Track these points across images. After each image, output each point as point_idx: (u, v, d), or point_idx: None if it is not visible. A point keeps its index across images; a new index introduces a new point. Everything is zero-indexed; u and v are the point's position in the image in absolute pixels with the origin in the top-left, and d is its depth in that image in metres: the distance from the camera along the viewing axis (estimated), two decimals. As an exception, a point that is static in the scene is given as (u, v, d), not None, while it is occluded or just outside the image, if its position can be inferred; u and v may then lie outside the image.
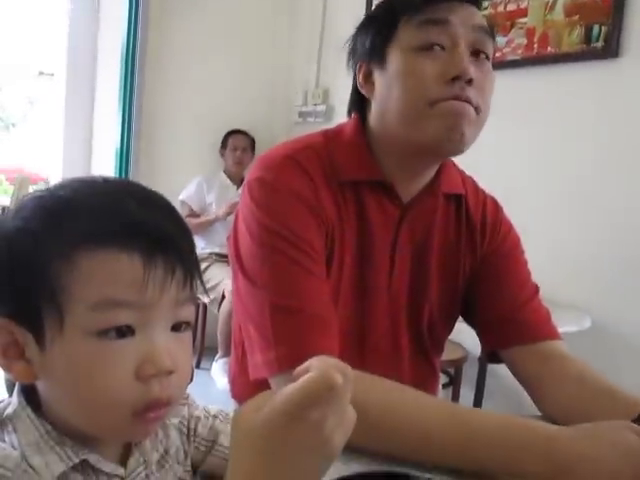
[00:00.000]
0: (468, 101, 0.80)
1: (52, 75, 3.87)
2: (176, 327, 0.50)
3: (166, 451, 0.58)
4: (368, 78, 0.89)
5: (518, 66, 2.38)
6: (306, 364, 0.45)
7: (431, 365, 1.03)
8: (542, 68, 2.34)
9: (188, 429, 0.62)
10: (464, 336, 1.07)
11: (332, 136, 0.92)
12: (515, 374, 0.92)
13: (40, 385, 0.49)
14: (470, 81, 0.80)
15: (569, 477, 0.66)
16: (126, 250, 0.45)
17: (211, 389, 2.84)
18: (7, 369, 0.48)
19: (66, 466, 0.48)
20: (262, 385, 0.81)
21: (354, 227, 0.88)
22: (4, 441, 0.48)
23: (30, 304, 0.46)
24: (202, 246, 3.09)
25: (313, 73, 3.45)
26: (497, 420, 0.73)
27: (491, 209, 0.98)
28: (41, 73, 4.83)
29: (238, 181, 3.25)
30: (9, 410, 0.50)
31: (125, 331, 0.46)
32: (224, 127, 3.33)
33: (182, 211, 3.06)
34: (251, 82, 3.46)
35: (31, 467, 0.46)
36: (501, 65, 2.34)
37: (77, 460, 0.48)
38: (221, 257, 3.07)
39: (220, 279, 2.92)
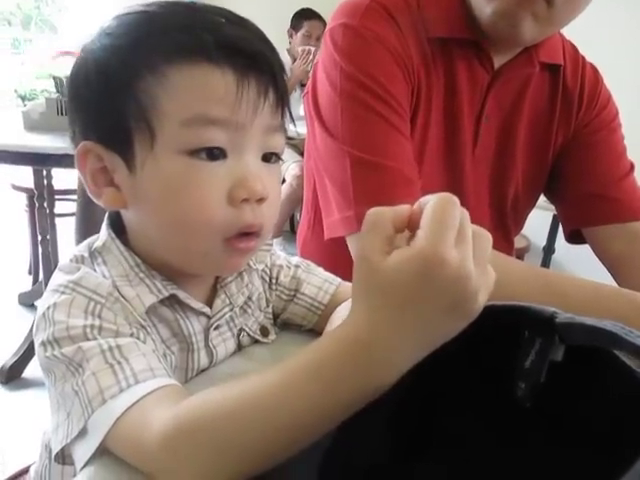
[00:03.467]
0: None
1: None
2: (266, 157, 0.48)
3: (249, 297, 0.58)
4: None
5: None
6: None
7: (509, 242, 0.99)
8: None
9: (270, 277, 0.62)
10: (527, 224, 1.02)
11: None
12: (599, 253, 0.89)
13: (129, 215, 0.49)
14: None
15: None
16: (220, 66, 0.43)
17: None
18: (96, 196, 0.47)
19: (156, 298, 0.48)
20: (337, 246, 0.78)
21: (441, 88, 0.82)
22: (96, 278, 0.47)
23: (120, 124, 0.44)
24: None
25: None
26: (595, 290, 0.67)
27: (590, 78, 0.91)
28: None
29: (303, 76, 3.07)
30: (98, 243, 0.50)
31: (217, 153, 0.44)
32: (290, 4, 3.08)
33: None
34: None
35: (123, 297, 0.46)
36: None
37: (167, 294, 0.48)
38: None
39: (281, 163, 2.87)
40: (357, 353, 0.33)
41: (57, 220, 2.22)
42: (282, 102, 0.47)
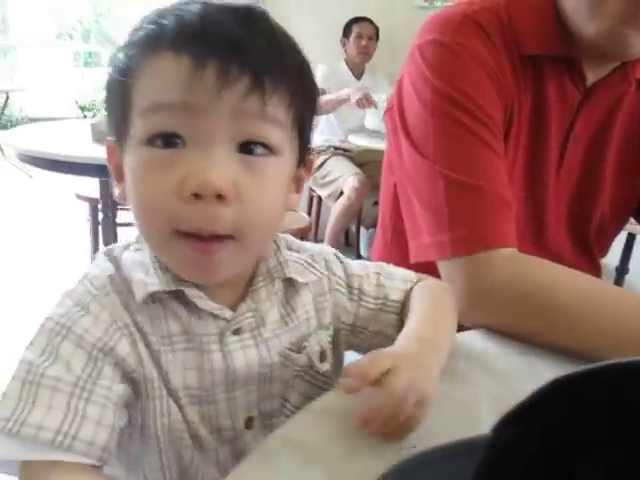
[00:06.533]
0: None
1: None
2: (247, 148, 0.44)
3: (292, 309, 0.55)
4: None
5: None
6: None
7: (594, 266, 0.94)
8: None
9: (351, 288, 0.59)
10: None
11: None
12: None
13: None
14: None
15: None
16: (175, 50, 0.42)
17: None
18: (117, 187, 0.50)
19: (160, 288, 0.47)
20: (419, 268, 0.75)
21: (529, 106, 0.79)
22: (121, 259, 0.51)
23: (115, 122, 0.47)
24: (321, 139, 3.00)
25: None
26: None
27: None
28: None
29: (359, 73, 3.08)
30: (138, 233, 0.51)
31: (174, 141, 0.42)
32: (342, 13, 3.08)
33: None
34: None
35: (130, 280, 0.48)
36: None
37: (173, 287, 0.48)
38: (340, 151, 2.99)
39: (339, 175, 2.83)
40: None
41: (118, 229, 2.26)
42: (261, 87, 0.42)
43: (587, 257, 0.92)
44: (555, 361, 0.61)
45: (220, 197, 0.41)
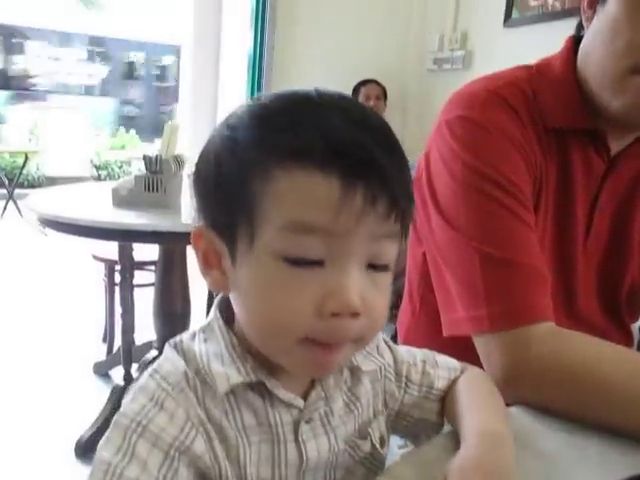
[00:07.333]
0: None
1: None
2: (373, 266, 0.45)
3: (356, 396, 0.55)
4: (593, 3, 0.77)
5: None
6: None
7: (625, 332, 0.93)
8: None
9: (398, 375, 0.60)
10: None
11: (538, 71, 0.83)
12: None
13: (232, 298, 0.49)
14: None
15: None
16: (325, 170, 0.41)
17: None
18: (204, 274, 0.49)
19: (243, 379, 0.47)
20: (449, 340, 0.74)
21: (555, 177, 0.80)
22: (191, 350, 0.49)
23: (228, 218, 0.45)
24: None
25: (450, 15, 3.17)
26: None
27: None
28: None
29: None
30: (206, 321, 0.51)
31: (313, 262, 0.42)
32: (353, 76, 3.18)
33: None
34: (382, 26, 3.28)
35: (210, 373, 0.47)
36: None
37: (254, 379, 0.47)
38: None
39: None
40: None
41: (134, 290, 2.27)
42: (397, 209, 0.43)
43: (618, 323, 0.91)
44: (601, 439, 0.59)
45: (356, 314, 0.43)
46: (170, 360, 0.49)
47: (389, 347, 0.61)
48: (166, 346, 0.51)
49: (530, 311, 0.68)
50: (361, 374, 0.56)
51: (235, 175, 0.44)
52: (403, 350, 0.62)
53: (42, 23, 9.52)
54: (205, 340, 0.50)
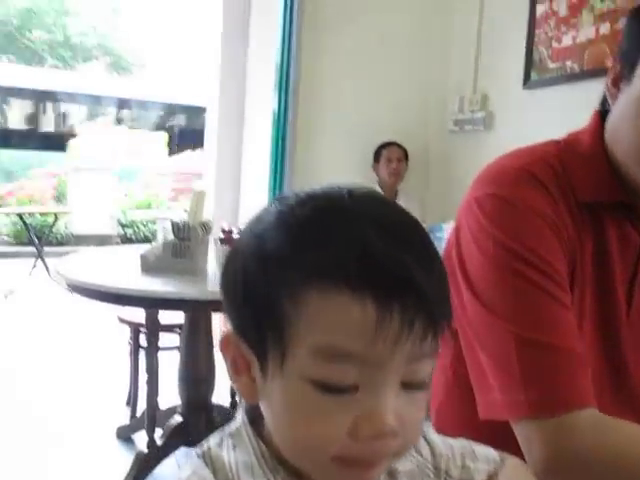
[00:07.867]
0: None
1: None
2: (409, 384, 0.43)
3: None
4: (617, 82, 0.78)
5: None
6: None
7: None
8: None
9: (438, 469, 0.57)
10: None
11: (566, 146, 0.82)
12: None
13: (261, 406, 0.47)
14: None
15: None
16: (359, 292, 0.39)
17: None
18: (233, 379, 0.47)
19: None
20: (484, 421, 0.72)
21: (591, 253, 0.78)
22: (219, 459, 0.47)
23: (257, 332, 0.43)
24: None
25: (470, 77, 3.21)
26: None
27: None
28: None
29: (392, 194, 3.16)
30: (232, 427, 0.49)
31: (347, 388, 0.40)
32: (375, 138, 3.23)
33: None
34: (403, 89, 3.33)
35: None
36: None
37: None
38: None
39: None
40: None
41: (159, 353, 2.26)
42: (434, 328, 0.41)
43: None
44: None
45: (392, 434, 0.41)
46: (197, 474, 0.47)
47: (426, 441, 0.58)
48: (193, 455, 0.49)
49: (570, 397, 0.66)
50: (398, 474, 0.54)
51: (263, 292, 0.42)
52: (439, 441, 0.59)
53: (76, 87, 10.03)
54: (234, 447, 0.48)
